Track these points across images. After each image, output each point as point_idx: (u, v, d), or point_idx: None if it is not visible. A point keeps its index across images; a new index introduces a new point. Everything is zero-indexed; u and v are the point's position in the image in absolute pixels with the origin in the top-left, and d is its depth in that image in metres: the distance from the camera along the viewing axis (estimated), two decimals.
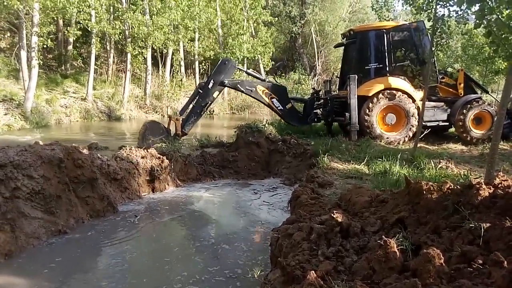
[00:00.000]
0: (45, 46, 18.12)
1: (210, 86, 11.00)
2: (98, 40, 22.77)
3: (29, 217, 5.34)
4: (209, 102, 11.18)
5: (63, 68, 25.01)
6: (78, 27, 21.33)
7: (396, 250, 2.87)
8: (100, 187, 6.68)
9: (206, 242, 5.81)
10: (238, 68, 12.70)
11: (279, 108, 11.62)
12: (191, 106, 11.21)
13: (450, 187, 3.55)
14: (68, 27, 21.68)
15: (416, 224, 3.47)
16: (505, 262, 2.53)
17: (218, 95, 11.70)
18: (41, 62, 18.49)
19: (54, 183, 5.85)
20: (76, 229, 5.93)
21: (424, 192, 3.61)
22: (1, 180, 5.14)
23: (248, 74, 12.86)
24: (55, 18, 20.77)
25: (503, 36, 5.10)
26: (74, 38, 22.82)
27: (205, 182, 9.24)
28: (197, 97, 10.99)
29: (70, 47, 25.49)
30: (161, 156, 8.51)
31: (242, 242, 5.75)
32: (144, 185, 8.07)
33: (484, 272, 2.56)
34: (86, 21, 20.43)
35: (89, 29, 21.14)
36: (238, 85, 11.53)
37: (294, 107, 12.21)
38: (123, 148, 8.41)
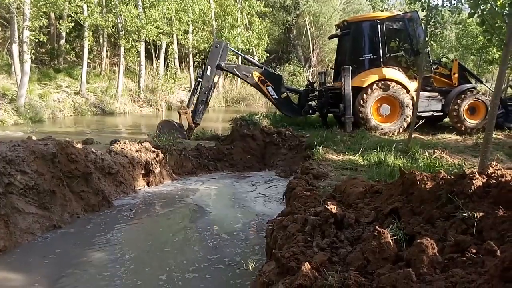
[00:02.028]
0: (37, 40, 17.95)
1: (208, 72, 10.98)
2: (91, 34, 22.58)
3: (23, 213, 5.32)
4: (212, 88, 11.17)
5: (55, 62, 24.84)
6: (70, 20, 21.11)
7: (390, 241, 2.87)
8: (95, 182, 6.66)
9: (205, 233, 5.86)
10: (235, 51, 12.69)
11: (273, 96, 11.61)
12: (195, 96, 11.18)
13: (444, 177, 3.56)
14: (60, 21, 21.49)
15: (410, 214, 3.48)
16: (498, 251, 2.54)
17: (219, 79, 11.70)
18: (34, 57, 18.33)
19: (48, 178, 5.82)
20: (71, 224, 5.91)
21: (418, 182, 3.62)
22: None
23: (246, 59, 12.85)
24: (47, 12, 20.56)
25: (497, 25, 5.10)
26: (67, 32, 22.62)
27: (200, 175, 9.24)
28: (199, 86, 10.98)
29: (62, 41, 25.29)
30: (156, 150, 8.48)
31: (240, 232, 5.82)
32: (139, 179, 8.05)
33: (477, 261, 2.57)
34: (78, 14, 20.26)
35: (82, 23, 20.95)
36: (235, 69, 11.56)
37: (289, 97, 12.19)
38: (117, 142, 8.37)
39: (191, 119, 10.87)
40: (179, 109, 11.05)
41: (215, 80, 11.27)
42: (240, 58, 15.37)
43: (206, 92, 10.93)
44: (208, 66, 11.07)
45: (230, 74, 30.45)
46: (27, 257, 4.86)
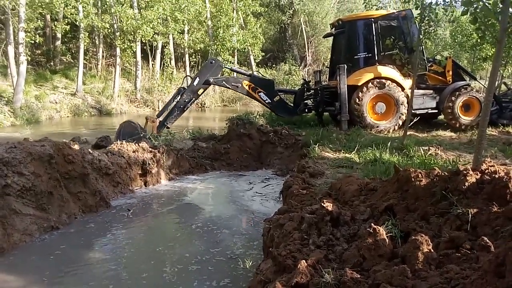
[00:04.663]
0: (33, 41, 17.92)
1: (195, 83, 11.01)
2: (87, 35, 22.54)
3: (20, 214, 5.32)
4: (194, 98, 11.19)
5: (52, 63, 24.78)
6: (66, 21, 21.08)
7: (386, 238, 2.91)
8: (92, 182, 6.66)
9: (204, 229, 5.94)
10: (226, 67, 12.80)
11: (266, 101, 11.64)
12: (172, 104, 11.10)
13: (438, 174, 3.59)
14: (56, 22, 21.45)
15: (405, 211, 3.51)
16: (492, 247, 2.57)
17: (203, 92, 11.74)
18: (29, 58, 18.30)
19: (45, 180, 5.82)
20: (69, 225, 5.92)
21: (413, 180, 3.65)
22: None
23: (233, 70, 13.03)
24: (42, 13, 20.53)
25: (489, 22, 5.13)
26: (62, 33, 22.59)
27: (197, 174, 9.25)
28: (181, 93, 10.93)
29: (58, 42, 25.23)
30: (153, 150, 8.49)
31: (239, 229, 5.90)
32: (137, 179, 8.05)
33: (471, 257, 2.60)
34: (74, 16, 20.22)
35: (77, 24, 20.91)
36: (224, 82, 11.59)
37: (282, 99, 12.21)
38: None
39: (156, 129, 10.75)
40: (148, 116, 10.91)
41: (199, 92, 11.31)
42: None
43: (187, 100, 10.92)
44: (197, 78, 11.11)
45: None
46: (25, 258, 4.87)
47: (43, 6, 17.54)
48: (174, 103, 10.98)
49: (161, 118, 10.81)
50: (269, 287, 2.84)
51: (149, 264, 4.75)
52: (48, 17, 23.82)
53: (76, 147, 7.00)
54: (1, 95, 17.49)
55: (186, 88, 10.98)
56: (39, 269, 4.62)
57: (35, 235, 5.39)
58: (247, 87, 11.44)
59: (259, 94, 11.53)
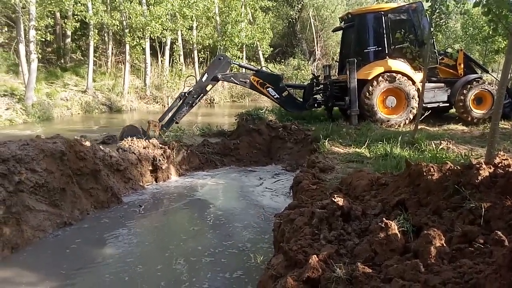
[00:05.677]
0: (43, 39, 18.06)
1: (204, 79, 11.07)
2: (96, 32, 22.68)
3: (34, 210, 5.39)
4: (202, 94, 11.24)
5: (62, 61, 24.96)
6: (76, 19, 21.22)
7: (397, 232, 2.89)
8: (104, 179, 6.72)
9: (216, 223, 6.03)
10: (235, 63, 12.85)
11: (275, 96, 11.62)
12: (174, 109, 11.11)
13: (450, 168, 3.55)
14: (66, 20, 21.58)
15: (416, 205, 3.48)
16: (506, 241, 2.54)
17: (211, 88, 11.78)
18: (40, 56, 18.46)
19: (57, 176, 5.88)
20: (81, 221, 5.99)
21: (425, 174, 3.62)
22: (5, 175, 5.17)
23: (241, 66, 13.04)
24: (52, 11, 20.68)
25: (503, 13, 5.06)
26: (72, 31, 22.74)
27: (207, 170, 9.28)
28: (182, 99, 10.94)
29: (68, 40, 25.40)
30: (163, 146, 8.54)
31: (251, 223, 5.97)
32: (147, 175, 8.11)
33: (485, 251, 2.57)
34: (84, 13, 20.34)
35: (87, 21, 21.04)
36: (232, 78, 11.63)
37: (291, 94, 12.18)
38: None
39: (161, 128, 10.74)
40: (150, 120, 10.93)
41: (207, 88, 11.37)
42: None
43: (195, 96, 10.98)
44: (206, 74, 11.20)
45: None
46: (39, 254, 4.94)
47: (53, 3, 17.65)
48: (177, 106, 11.01)
49: (163, 122, 10.86)
50: (281, 282, 2.84)
51: (163, 257, 4.83)
52: (58, 14, 23.98)
53: (88, 143, 7.05)
54: (13, 93, 17.69)
55: (187, 93, 10.98)
56: (54, 264, 4.69)
57: (49, 231, 5.46)
58: (255, 83, 11.45)
59: (267, 89, 11.52)
